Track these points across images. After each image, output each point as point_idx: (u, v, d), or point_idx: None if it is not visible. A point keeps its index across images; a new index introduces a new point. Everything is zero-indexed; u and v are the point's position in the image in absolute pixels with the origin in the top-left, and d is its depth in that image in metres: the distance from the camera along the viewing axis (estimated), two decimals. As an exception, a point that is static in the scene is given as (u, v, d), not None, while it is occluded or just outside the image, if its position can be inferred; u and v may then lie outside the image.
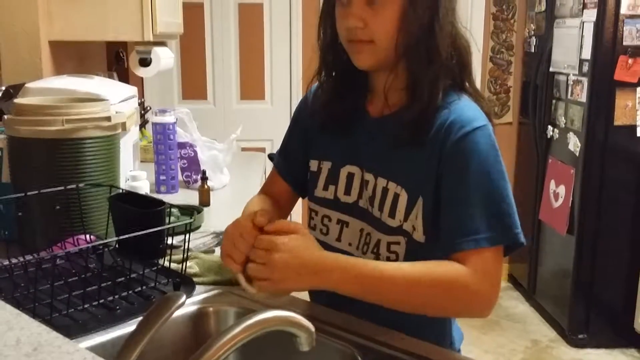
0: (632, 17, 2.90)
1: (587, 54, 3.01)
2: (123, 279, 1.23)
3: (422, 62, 1.08)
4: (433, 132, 1.07)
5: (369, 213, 1.16)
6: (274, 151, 1.41)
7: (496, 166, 1.06)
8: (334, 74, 1.20)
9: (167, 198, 1.60)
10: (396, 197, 1.11)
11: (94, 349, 0.92)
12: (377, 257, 1.14)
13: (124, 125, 1.57)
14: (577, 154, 3.09)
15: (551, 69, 3.37)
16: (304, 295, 1.21)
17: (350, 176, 1.19)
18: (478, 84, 1.21)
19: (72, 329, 1.06)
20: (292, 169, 1.32)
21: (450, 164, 1.06)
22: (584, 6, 3.04)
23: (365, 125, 1.17)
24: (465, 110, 1.08)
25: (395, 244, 1.13)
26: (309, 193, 1.28)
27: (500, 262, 1.06)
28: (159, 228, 1.29)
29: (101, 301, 1.16)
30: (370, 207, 1.16)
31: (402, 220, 1.11)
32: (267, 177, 1.42)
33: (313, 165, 1.25)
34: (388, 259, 1.13)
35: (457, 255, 1.04)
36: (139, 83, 3.49)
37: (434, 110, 1.08)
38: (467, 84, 1.14)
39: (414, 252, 1.11)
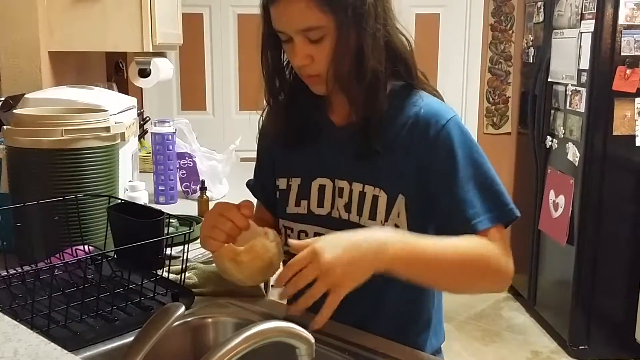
0: (629, 27, 2.91)
1: (585, 64, 3.02)
2: (121, 290, 1.22)
3: (354, 82, 1.11)
4: (405, 131, 1.12)
5: (346, 220, 1.17)
6: None
7: (477, 150, 1.12)
8: (283, 100, 1.22)
9: (166, 208, 1.60)
10: (375, 198, 1.14)
11: (92, 361, 0.91)
12: None
13: (123, 135, 1.57)
14: (576, 164, 3.10)
15: (549, 79, 3.38)
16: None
17: (322, 188, 1.20)
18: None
19: (70, 341, 1.06)
20: (266, 193, 1.33)
21: (434, 157, 1.10)
22: (582, 17, 3.05)
23: (331, 135, 1.20)
24: (432, 104, 1.14)
25: None
26: (279, 211, 1.28)
27: (505, 234, 1.11)
28: (158, 238, 1.29)
29: (99, 312, 1.15)
30: (347, 213, 1.17)
31: (382, 220, 1.14)
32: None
33: (282, 183, 1.27)
34: None
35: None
36: (138, 94, 3.50)
37: (395, 113, 1.13)
38: (416, 80, 1.17)
39: None
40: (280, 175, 1.27)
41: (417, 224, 1.12)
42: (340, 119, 1.19)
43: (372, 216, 1.14)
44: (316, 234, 1.20)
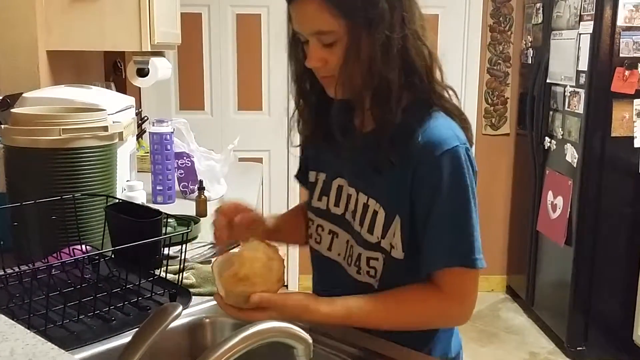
0: (628, 29, 2.91)
1: (584, 65, 3.02)
2: (119, 289, 1.22)
3: (363, 90, 1.10)
4: (406, 153, 1.09)
5: (352, 226, 1.18)
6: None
7: (464, 191, 1.07)
8: (313, 97, 1.21)
9: (164, 208, 1.59)
10: (375, 214, 1.13)
11: (89, 361, 0.91)
12: (359, 270, 1.17)
13: (121, 135, 1.57)
14: (575, 165, 3.10)
15: (548, 80, 3.38)
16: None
17: (340, 188, 1.22)
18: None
19: (67, 340, 1.05)
20: (305, 178, 1.35)
21: (422, 186, 1.08)
22: (581, 18, 3.05)
23: (353, 140, 1.18)
24: (436, 131, 1.08)
25: (374, 259, 1.15)
26: (307, 202, 1.30)
27: (470, 279, 1.11)
28: (156, 238, 1.29)
29: (97, 312, 1.15)
30: (352, 220, 1.18)
31: (379, 237, 1.13)
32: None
33: (311, 176, 1.29)
34: (368, 274, 1.16)
35: (430, 275, 1.10)
36: (137, 93, 3.49)
37: (406, 130, 1.09)
38: (432, 95, 1.13)
39: (392, 269, 1.13)
40: (311, 168, 1.30)
41: (410, 248, 1.11)
42: (362, 125, 1.18)
43: (370, 230, 1.14)
44: (331, 232, 1.23)
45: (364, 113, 1.16)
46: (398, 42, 1.08)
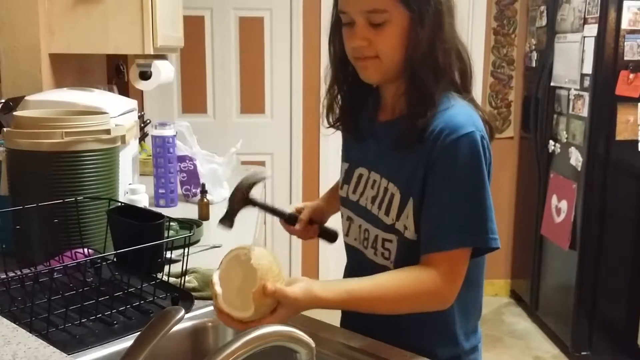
0: (632, 32, 2.91)
1: (588, 68, 3.01)
2: (121, 293, 1.21)
3: (427, 77, 1.12)
4: (424, 138, 1.12)
5: (368, 210, 1.22)
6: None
7: (475, 173, 1.10)
8: (345, 87, 1.27)
9: (166, 211, 1.59)
10: (392, 196, 1.17)
11: (90, 365, 0.90)
12: (376, 251, 1.21)
13: (123, 138, 1.56)
14: (579, 169, 3.09)
15: (552, 84, 3.37)
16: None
17: (360, 177, 1.27)
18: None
19: (69, 344, 1.05)
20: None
21: (434, 168, 1.11)
22: (585, 21, 3.04)
23: (374, 130, 1.24)
24: (455, 116, 1.12)
25: (388, 241, 1.19)
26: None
27: (463, 263, 1.12)
28: (158, 242, 1.28)
29: (99, 316, 1.15)
30: (370, 204, 1.22)
31: (394, 219, 1.17)
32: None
33: (342, 166, 1.35)
34: (382, 255, 1.20)
35: (426, 256, 1.11)
36: (139, 96, 3.50)
37: (431, 117, 1.13)
38: (463, 93, 1.18)
39: (406, 251, 1.16)
40: (342, 159, 1.36)
41: (419, 229, 1.14)
42: (385, 116, 1.23)
43: (387, 212, 1.18)
44: (348, 218, 1.30)
45: (388, 103, 1.22)
46: (453, 37, 1.15)
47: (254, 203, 1.44)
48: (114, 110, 1.76)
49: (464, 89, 1.18)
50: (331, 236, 1.48)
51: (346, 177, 1.30)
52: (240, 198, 1.43)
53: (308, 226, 1.44)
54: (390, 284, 1.11)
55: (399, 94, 1.17)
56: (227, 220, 1.44)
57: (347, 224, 1.30)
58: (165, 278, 1.29)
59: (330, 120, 1.31)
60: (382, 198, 1.19)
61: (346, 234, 1.31)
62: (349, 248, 1.31)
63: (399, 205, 1.15)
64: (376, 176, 1.22)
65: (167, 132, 2.17)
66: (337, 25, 1.20)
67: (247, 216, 2.07)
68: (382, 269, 1.18)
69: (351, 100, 1.27)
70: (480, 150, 1.10)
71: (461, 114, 1.12)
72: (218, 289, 1.02)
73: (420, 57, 1.11)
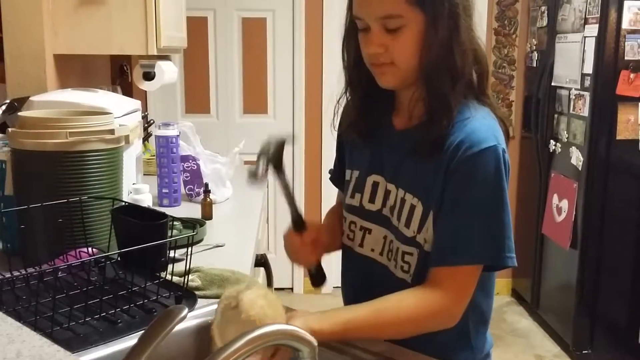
0: (633, 32, 2.91)
1: (588, 68, 3.01)
2: (125, 292, 1.22)
3: (444, 81, 1.11)
4: (444, 149, 1.10)
5: (391, 221, 1.19)
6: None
7: (495, 188, 1.08)
8: (359, 92, 1.24)
9: (170, 211, 1.60)
10: (412, 208, 1.14)
11: (95, 363, 0.91)
12: (396, 264, 1.18)
13: (127, 138, 1.57)
14: (580, 168, 3.09)
15: (553, 84, 3.38)
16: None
17: (375, 185, 1.23)
18: None
19: (73, 343, 1.06)
20: (340, 179, 1.36)
21: (452, 182, 1.09)
22: (586, 21, 3.05)
23: (390, 138, 1.21)
24: (476, 129, 1.09)
25: (409, 254, 1.16)
26: (342, 200, 1.33)
27: (472, 279, 1.11)
28: (162, 241, 1.29)
29: (103, 314, 1.15)
30: (391, 215, 1.19)
31: (415, 231, 1.14)
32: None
33: (347, 174, 1.31)
34: (402, 269, 1.17)
35: (437, 269, 1.10)
36: (143, 96, 3.51)
37: (450, 127, 1.11)
38: (483, 96, 1.17)
39: (425, 264, 1.13)
40: (347, 167, 1.31)
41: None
42: (401, 123, 1.20)
43: (407, 224, 1.15)
44: (362, 228, 1.25)
45: (403, 110, 1.19)
46: (471, 38, 1.12)
47: (279, 170, 1.24)
48: (117, 110, 1.77)
49: (481, 92, 1.16)
50: (321, 279, 1.35)
51: (357, 185, 1.26)
52: (275, 156, 1.22)
53: (310, 247, 1.27)
54: (389, 310, 1.10)
55: (416, 98, 1.15)
56: (259, 174, 1.23)
57: (361, 234, 1.25)
58: (168, 277, 1.30)
59: (343, 125, 1.29)
60: (401, 209, 1.16)
61: (360, 245, 1.26)
62: (359, 258, 1.26)
63: (420, 217, 1.13)
64: (392, 186, 1.19)
65: (171, 132, 2.18)
66: (352, 31, 1.17)
67: (248, 216, 2.09)
68: (401, 282, 1.16)
69: (366, 104, 1.24)
70: (502, 166, 1.08)
71: (482, 125, 1.10)
72: (219, 342, 1.02)
73: (437, 60, 1.09)
